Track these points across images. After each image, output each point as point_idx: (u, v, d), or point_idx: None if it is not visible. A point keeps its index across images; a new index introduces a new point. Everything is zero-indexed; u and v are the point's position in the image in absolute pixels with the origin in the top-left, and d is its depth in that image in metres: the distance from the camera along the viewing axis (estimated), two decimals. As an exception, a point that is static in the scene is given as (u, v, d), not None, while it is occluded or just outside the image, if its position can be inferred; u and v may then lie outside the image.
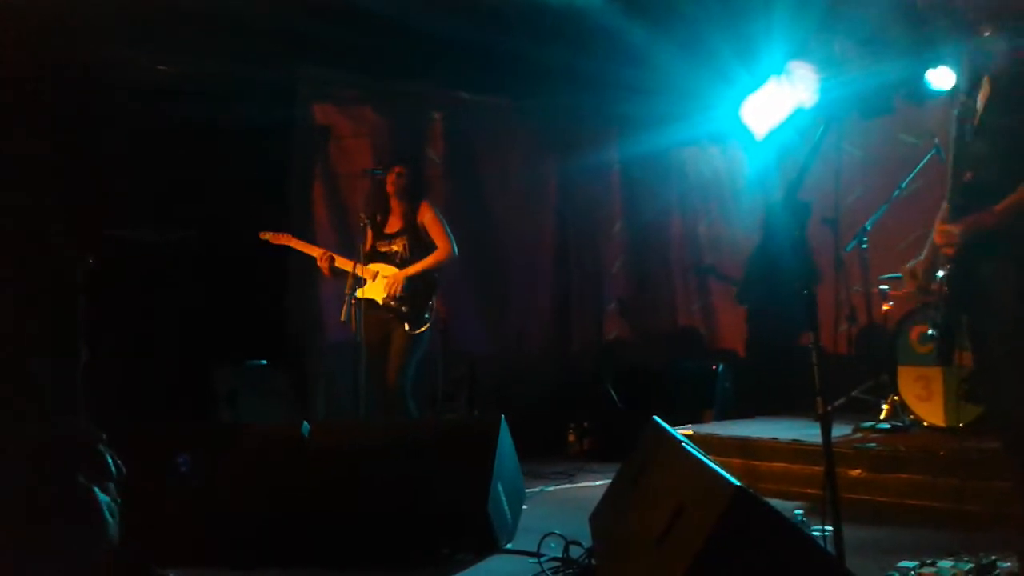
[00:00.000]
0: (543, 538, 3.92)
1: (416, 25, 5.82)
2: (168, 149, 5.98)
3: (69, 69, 5.81)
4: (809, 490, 4.84)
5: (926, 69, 5.96)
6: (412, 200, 5.61)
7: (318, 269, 5.57)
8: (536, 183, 8.20)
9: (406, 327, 5.42)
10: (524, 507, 4.59)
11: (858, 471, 4.76)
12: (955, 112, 3.07)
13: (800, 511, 4.07)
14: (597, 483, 5.62)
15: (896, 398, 5.43)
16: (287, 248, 5.69)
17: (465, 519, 3.99)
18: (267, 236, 5.66)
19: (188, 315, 6.13)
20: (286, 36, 6.01)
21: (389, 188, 5.59)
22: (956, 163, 3.07)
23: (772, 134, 6.79)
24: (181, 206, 6.09)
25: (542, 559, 3.83)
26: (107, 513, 3.24)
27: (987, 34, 2.98)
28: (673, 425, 3.99)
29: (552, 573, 3.72)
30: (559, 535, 3.92)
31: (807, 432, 5.20)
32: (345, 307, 5.40)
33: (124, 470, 3.41)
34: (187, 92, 6.15)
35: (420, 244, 5.55)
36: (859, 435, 5.24)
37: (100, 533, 3.20)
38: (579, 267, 8.53)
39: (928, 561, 3.51)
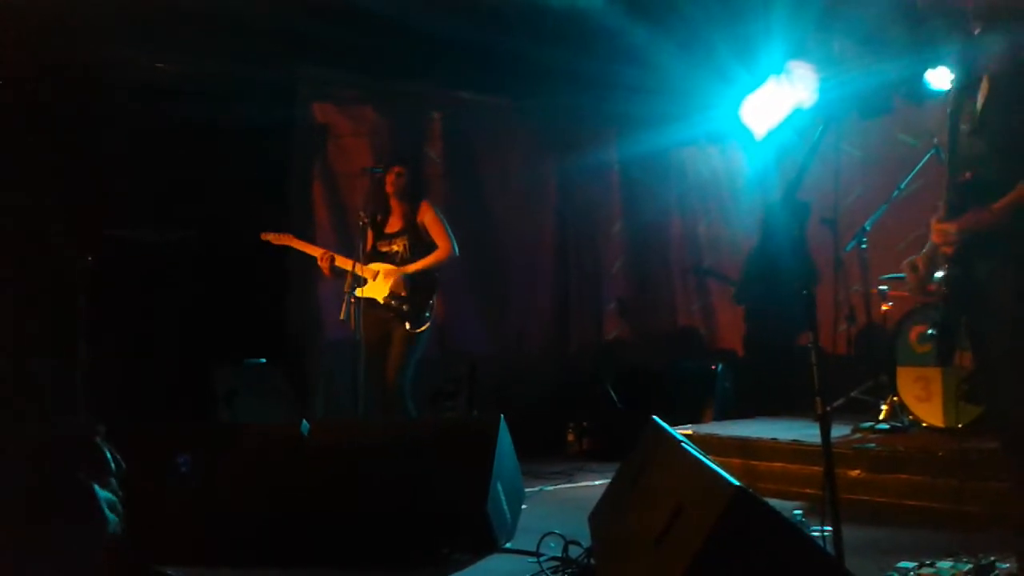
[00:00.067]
0: (542, 538, 3.93)
1: (416, 25, 5.82)
2: (168, 149, 5.98)
3: (69, 69, 5.82)
4: (808, 490, 4.84)
5: (925, 69, 5.94)
6: (412, 200, 5.62)
7: (318, 269, 5.58)
8: (536, 183, 8.20)
9: (407, 326, 5.42)
10: (523, 507, 4.59)
11: (857, 471, 4.76)
12: (950, 110, 3.06)
13: (799, 511, 4.08)
14: (596, 483, 5.62)
15: (895, 398, 5.42)
16: (287, 248, 5.69)
17: (464, 519, 3.98)
18: (269, 237, 5.67)
19: (188, 315, 6.14)
20: (286, 36, 6.01)
21: (388, 188, 5.60)
22: (953, 162, 3.06)
23: (771, 134, 6.78)
24: (181, 206, 6.09)
25: (541, 559, 3.83)
26: (107, 510, 3.24)
27: (986, 33, 2.98)
28: (673, 425, 3.99)
29: (551, 573, 3.72)
30: (558, 535, 3.92)
31: (807, 432, 5.20)
32: (344, 306, 5.40)
33: (123, 464, 3.41)
34: (187, 92, 6.15)
35: (420, 244, 5.56)
36: (858, 435, 5.25)
37: (100, 532, 3.21)
38: (579, 267, 8.53)
39: (927, 562, 3.51)
